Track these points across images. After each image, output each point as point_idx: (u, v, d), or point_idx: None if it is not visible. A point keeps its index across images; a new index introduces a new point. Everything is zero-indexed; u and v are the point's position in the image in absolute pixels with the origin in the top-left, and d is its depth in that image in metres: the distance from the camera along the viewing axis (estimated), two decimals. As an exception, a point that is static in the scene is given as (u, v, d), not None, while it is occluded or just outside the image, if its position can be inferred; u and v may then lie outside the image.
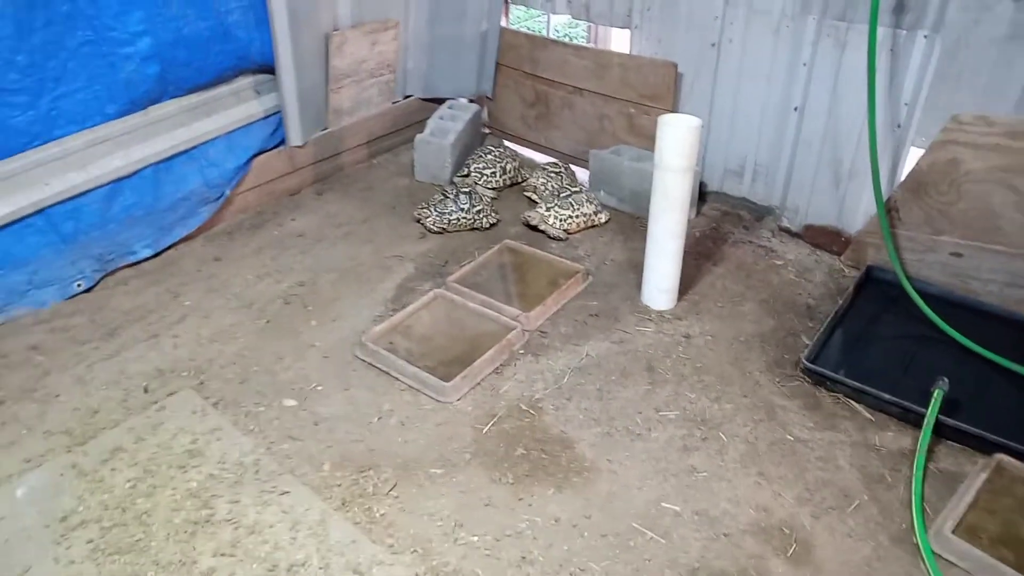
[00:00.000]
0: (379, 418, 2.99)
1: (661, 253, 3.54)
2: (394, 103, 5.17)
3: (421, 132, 4.78)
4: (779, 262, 4.07)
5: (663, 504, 2.64)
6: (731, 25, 4.06)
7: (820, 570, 2.41)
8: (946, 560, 2.42)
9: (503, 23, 5.22)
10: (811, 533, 2.53)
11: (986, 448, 2.79)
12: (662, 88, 4.44)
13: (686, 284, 3.75)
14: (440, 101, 5.17)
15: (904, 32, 3.45)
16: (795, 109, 3.99)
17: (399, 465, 2.77)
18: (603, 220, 4.39)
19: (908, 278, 3.60)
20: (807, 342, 3.36)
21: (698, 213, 4.48)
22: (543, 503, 2.63)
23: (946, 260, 3.61)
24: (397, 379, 3.16)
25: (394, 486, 2.69)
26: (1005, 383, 3.13)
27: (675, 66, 4.36)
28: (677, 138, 3.26)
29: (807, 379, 3.20)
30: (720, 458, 2.83)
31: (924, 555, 2.41)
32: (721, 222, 4.43)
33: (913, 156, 3.63)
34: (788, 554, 2.46)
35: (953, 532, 2.44)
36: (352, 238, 4.25)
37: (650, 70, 4.47)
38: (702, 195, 4.61)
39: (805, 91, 3.90)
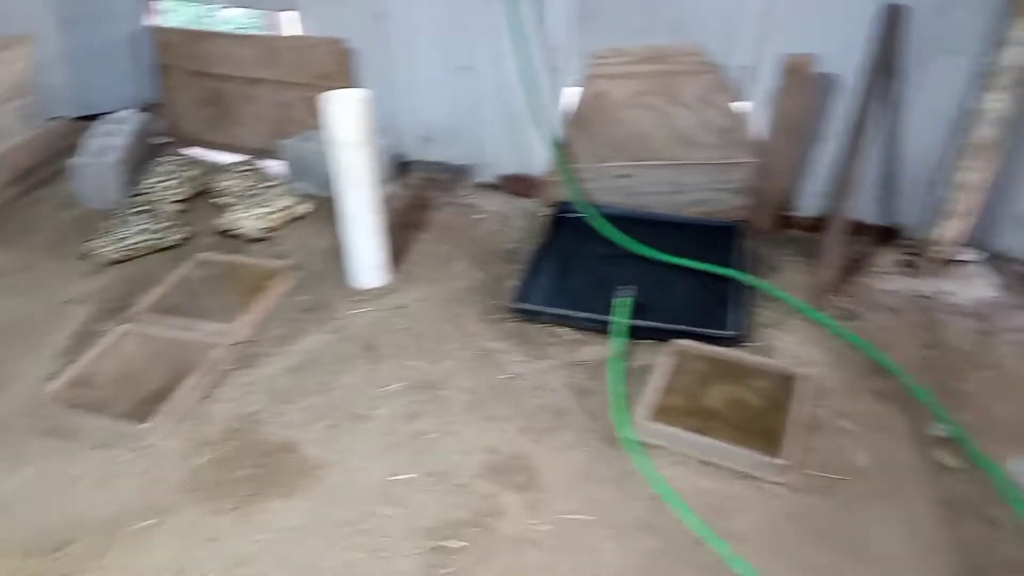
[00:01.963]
0: (71, 485, 2.63)
1: (360, 231, 3.49)
2: (39, 127, 4.52)
3: (78, 155, 4.23)
4: (482, 216, 4.23)
5: (396, 476, 2.63)
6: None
7: (547, 488, 2.56)
8: (648, 445, 2.68)
9: (154, 21, 4.76)
10: (535, 457, 2.67)
11: (671, 337, 3.13)
12: (335, 66, 4.35)
13: (397, 256, 3.75)
14: (98, 117, 4.61)
15: None
16: (466, 69, 4.12)
17: (104, 529, 2.46)
18: (305, 211, 4.24)
19: (591, 206, 3.92)
20: (516, 284, 3.52)
21: (403, 185, 4.49)
22: (273, 517, 2.50)
23: (617, 182, 3.98)
24: (86, 436, 2.79)
25: (104, 553, 2.39)
26: (682, 279, 3.53)
27: (343, 42, 4.29)
28: (342, 113, 3.20)
29: (518, 318, 3.36)
30: (446, 414, 2.88)
31: (627, 446, 2.66)
32: (424, 189, 4.48)
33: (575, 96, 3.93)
34: (518, 483, 2.57)
35: (648, 418, 2.71)
36: (12, 291, 3.67)
37: (320, 49, 4.36)
38: (404, 166, 4.63)
39: (472, 51, 4.04)
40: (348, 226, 3.49)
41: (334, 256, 3.80)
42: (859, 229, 3.78)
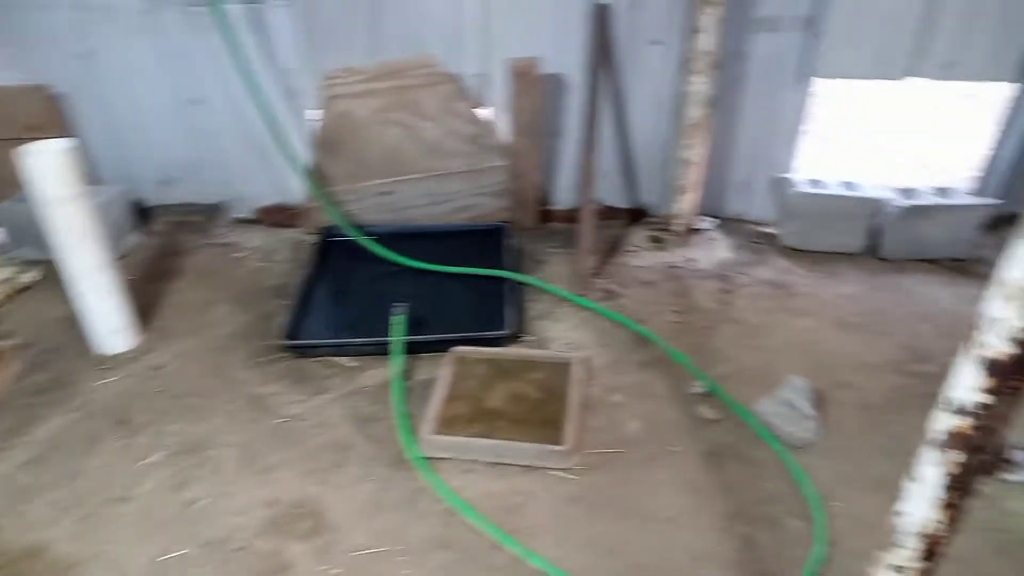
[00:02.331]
0: None
1: (93, 292, 3.09)
2: None
3: None
4: (242, 254, 3.95)
5: (166, 556, 2.34)
6: (90, 32, 3.66)
7: (336, 529, 2.41)
8: (436, 459, 2.62)
9: None
10: (320, 500, 2.51)
11: (451, 346, 3.10)
12: (44, 116, 3.85)
13: (146, 313, 3.38)
14: None
15: (259, 6, 3.50)
16: (196, 101, 3.82)
17: None
18: (31, 279, 3.70)
19: (356, 227, 3.81)
20: (286, 320, 3.31)
21: (147, 234, 4.09)
22: (12, 641, 2.11)
23: (379, 200, 3.91)
24: None
25: None
26: (456, 286, 3.52)
27: (48, 88, 3.81)
28: (43, 168, 2.81)
29: (292, 356, 3.17)
30: (218, 476, 2.62)
31: (416, 464, 2.59)
32: (173, 235, 4.11)
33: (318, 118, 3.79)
34: (303, 532, 2.40)
35: (433, 432, 2.66)
36: None
37: (23, 99, 3.83)
38: (144, 213, 4.21)
39: (199, 82, 3.75)
40: (78, 289, 3.09)
41: (72, 325, 3.35)
42: (611, 213, 4.03)
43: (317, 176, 3.79)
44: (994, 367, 1.12)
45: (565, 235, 3.92)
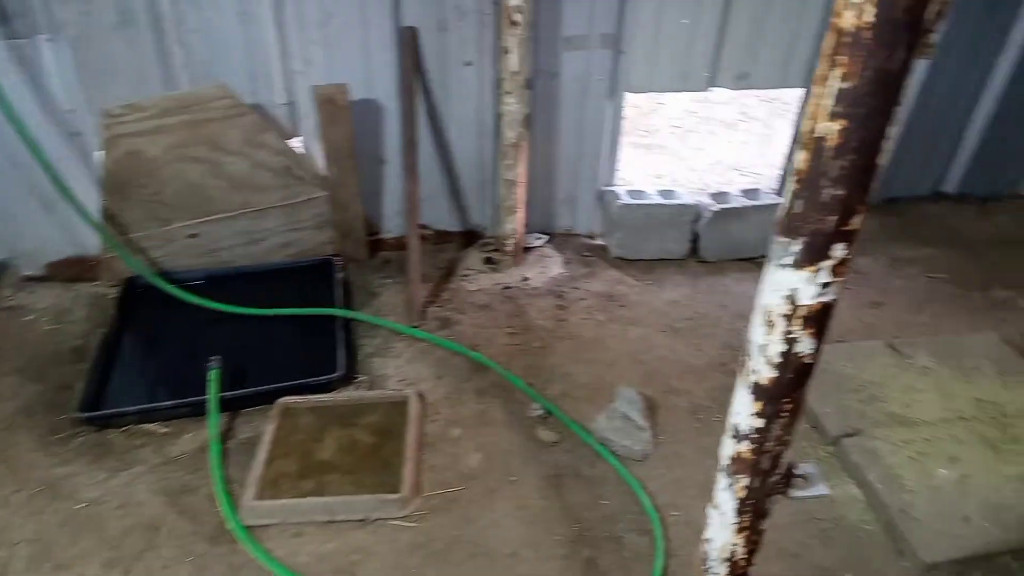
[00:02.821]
0: None
1: None
2: None
3: None
4: (30, 316, 3.48)
5: None
6: None
7: (145, 629, 2.12)
8: (262, 526, 2.39)
9: None
10: (126, 596, 2.21)
11: (276, 397, 2.87)
12: None
13: None
14: None
15: (24, 41, 3.09)
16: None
17: None
18: None
19: (163, 275, 3.46)
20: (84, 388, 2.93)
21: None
22: None
23: (188, 243, 3.58)
24: None
25: None
26: (282, 330, 3.28)
27: None
28: None
29: (93, 428, 2.80)
30: (-2, 584, 2.24)
31: (238, 536, 2.35)
32: (-56, 301, 3.56)
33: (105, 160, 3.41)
34: (108, 637, 2.09)
35: (257, 497, 2.43)
36: None
37: None
38: (-96, 281, 3.61)
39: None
40: None
41: None
42: (444, 237, 3.95)
43: (110, 223, 3.41)
44: (762, 391, 1.11)
45: (397, 264, 3.79)
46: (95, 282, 3.69)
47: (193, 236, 3.56)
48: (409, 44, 3.35)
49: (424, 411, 2.83)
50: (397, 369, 3.07)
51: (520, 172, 3.52)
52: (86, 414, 2.80)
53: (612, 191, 3.88)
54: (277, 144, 3.41)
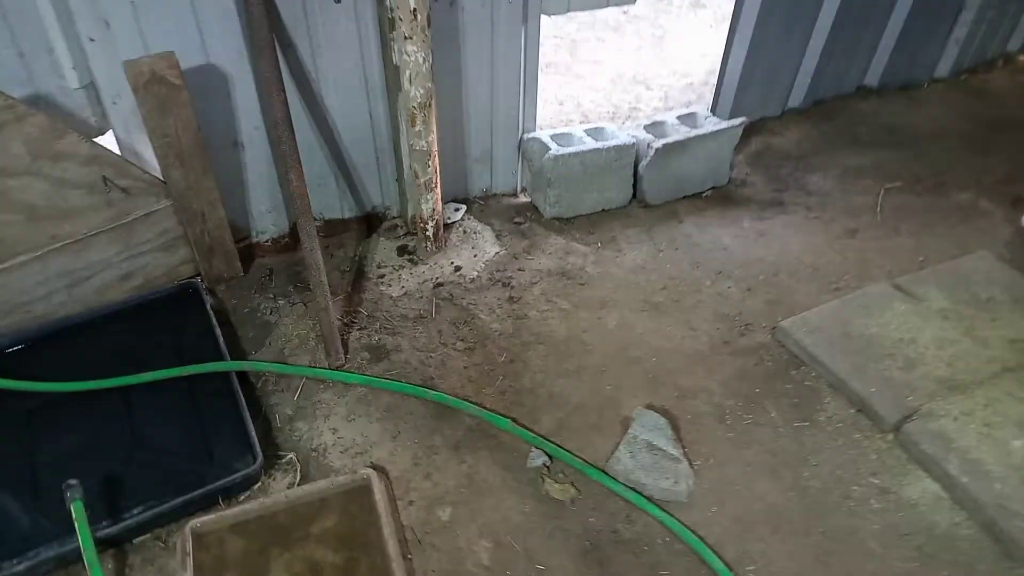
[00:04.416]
0: None
1: None
2: None
3: None
4: None
5: None
6: None
7: None
8: None
9: None
10: None
11: (175, 518, 2.05)
12: None
13: None
14: None
15: None
16: None
17: None
18: None
19: None
20: None
21: None
22: None
23: (-21, 303, 2.48)
24: None
25: None
26: (150, 405, 2.35)
27: None
28: None
29: None
30: None
31: None
32: None
33: None
34: None
35: None
36: None
37: None
38: None
39: None
40: None
41: None
42: (339, 227, 3.10)
43: None
44: None
45: (284, 272, 2.91)
46: None
47: (-19, 292, 2.47)
48: (252, -21, 2.36)
49: (392, 493, 2.13)
50: (335, 435, 2.31)
51: (433, 139, 2.71)
52: None
53: (536, 139, 3.17)
54: (83, 151, 2.35)
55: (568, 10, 2.95)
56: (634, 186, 3.32)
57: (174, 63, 2.27)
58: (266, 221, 2.94)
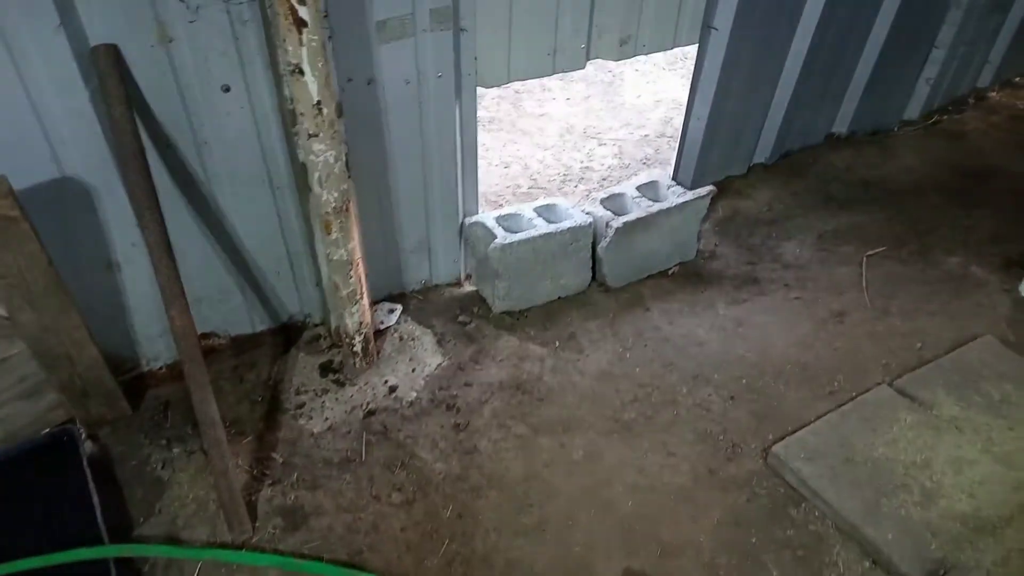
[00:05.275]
0: None
1: None
2: None
3: None
4: None
5: None
6: None
7: None
8: None
9: None
10: None
11: None
12: None
13: None
14: None
15: None
16: None
17: None
18: None
19: None
20: None
21: None
22: None
23: None
24: None
25: None
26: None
27: None
28: None
29: None
30: None
31: None
32: None
33: None
34: None
35: None
36: None
37: None
38: None
39: None
40: None
41: None
42: (250, 343, 2.63)
43: None
44: None
45: (181, 408, 2.42)
46: None
47: None
48: (112, 73, 1.90)
49: None
50: (239, 638, 1.83)
51: (354, 245, 2.27)
52: None
53: (480, 224, 2.76)
54: (-103, 297, 1.85)
55: (508, 81, 2.55)
56: (593, 268, 2.93)
57: (6, 191, 1.78)
58: (157, 346, 2.46)
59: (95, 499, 2.03)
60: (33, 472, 2.15)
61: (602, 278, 2.93)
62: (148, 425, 2.37)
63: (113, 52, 1.92)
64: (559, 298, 2.89)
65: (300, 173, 2.21)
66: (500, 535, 2.05)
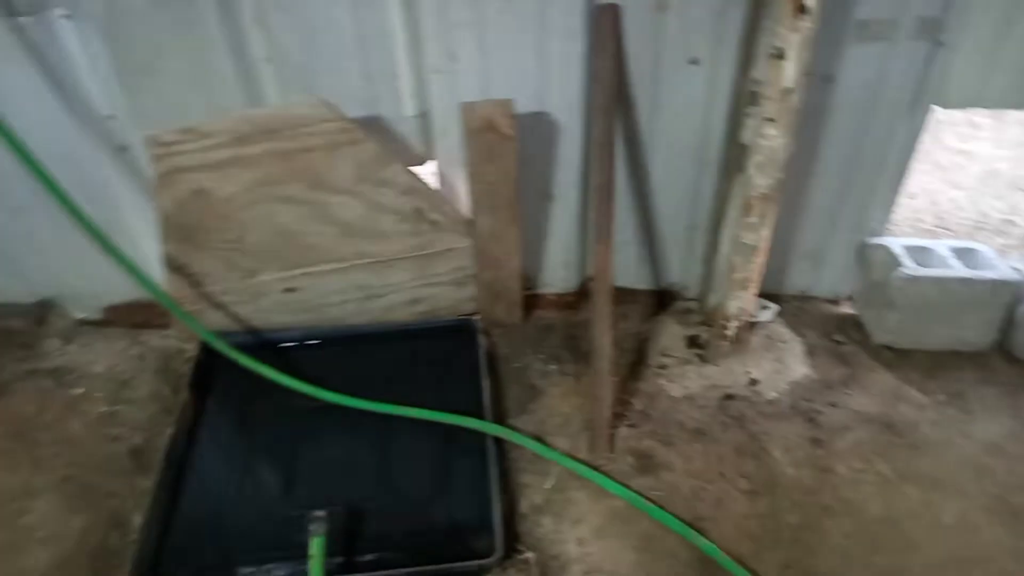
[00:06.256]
0: None
1: None
2: None
3: None
4: (80, 389, 2.62)
5: None
6: None
7: None
8: None
9: None
10: None
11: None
12: None
13: None
14: None
15: (28, 19, 2.08)
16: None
17: None
18: None
19: (252, 333, 2.57)
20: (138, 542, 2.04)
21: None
22: None
23: (284, 299, 2.61)
24: None
25: None
26: (402, 444, 2.29)
27: None
28: None
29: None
30: None
31: None
32: (-20, 355, 2.75)
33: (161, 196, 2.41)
34: None
35: None
36: None
37: None
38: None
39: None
40: None
41: None
42: (627, 297, 2.82)
43: (178, 274, 2.46)
44: None
45: (562, 335, 2.70)
46: (166, 331, 2.80)
47: (290, 290, 2.58)
48: (608, 30, 2.15)
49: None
50: (580, 547, 2.02)
51: (765, 236, 2.30)
52: (135, 592, 1.91)
53: (883, 248, 2.61)
54: (404, 180, 2.32)
55: (975, 105, 2.35)
56: (1002, 331, 2.60)
57: (509, 112, 2.13)
58: (556, 275, 2.76)
59: (484, 383, 2.38)
60: (444, 345, 2.59)
61: (1012, 346, 2.60)
62: (531, 338, 2.69)
63: (615, 11, 2.16)
64: (953, 351, 2.63)
65: (735, 155, 2.29)
66: (846, 565, 1.97)
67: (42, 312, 2.90)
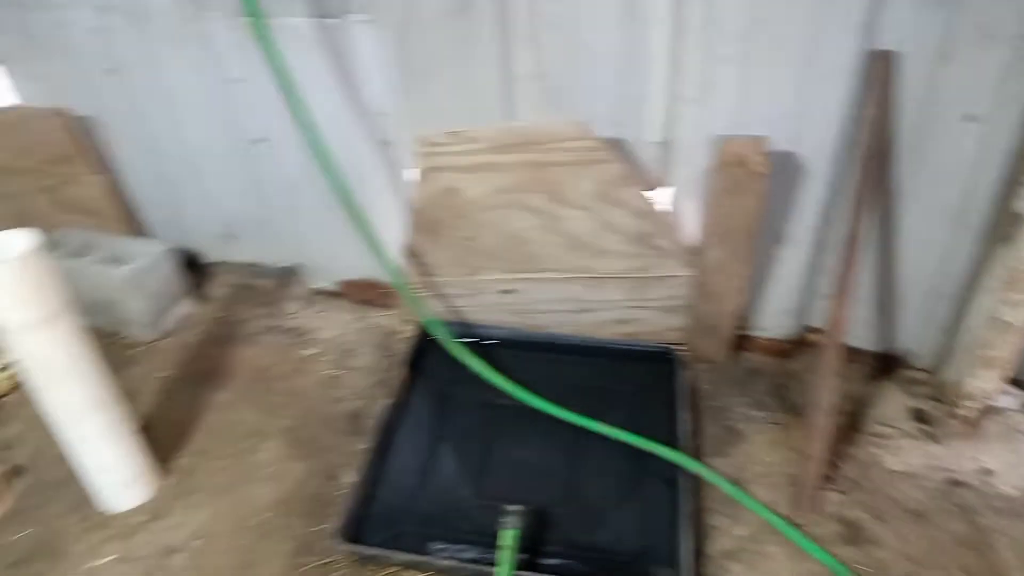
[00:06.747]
0: None
1: (85, 442, 2.16)
2: None
3: None
4: (312, 350, 2.93)
5: None
6: (114, 40, 2.67)
7: None
8: None
9: None
10: None
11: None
12: (67, 146, 2.96)
13: (174, 439, 2.48)
14: None
15: (335, 21, 2.36)
16: (261, 141, 2.77)
17: None
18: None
19: (467, 327, 2.78)
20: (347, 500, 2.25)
21: (200, 299, 3.16)
22: None
23: (500, 299, 2.75)
24: None
25: None
26: (594, 456, 2.33)
27: (69, 112, 2.90)
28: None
29: (351, 560, 2.12)
30: None
31: None
32: (234, 303, 3.17)
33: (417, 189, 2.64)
34: None
35: None
36: None
37: (39, 125, 2.94)
38: (200, 270, 3.29)
39: (259, 116, 2.68)
40: (66, 436, 2.16)
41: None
42: (850, 356, 2.66)
43: (413, 260, 2.67)
44: None
45: (771, 382, 2.61)
46: (389, 312, 3.05)
47: (507, 292, 2.71)
48: (880, 77, 2.05)
49: None
50: (769, 606, 1.95)
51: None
52: (344, 545, 2.10)
53: None
54: (637, 203, 2.36)
55: None
56: None
57: (763, 149, 2.10)
58: (774, 320, 2.67)
59: (683, 415, 2.35)
60: (644, 369, 2.59)
61: None
62: (735, 380, 2.62)
63: (888, 58, 2.06)
64: None
65: (1005, 221, 2.10)
66: None
67: (286, 277, 3.27)
